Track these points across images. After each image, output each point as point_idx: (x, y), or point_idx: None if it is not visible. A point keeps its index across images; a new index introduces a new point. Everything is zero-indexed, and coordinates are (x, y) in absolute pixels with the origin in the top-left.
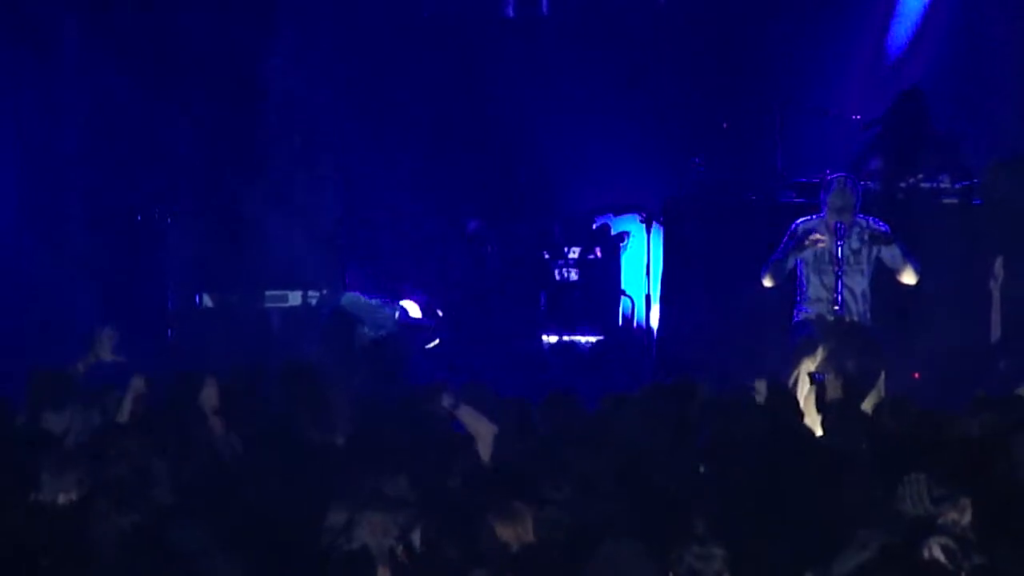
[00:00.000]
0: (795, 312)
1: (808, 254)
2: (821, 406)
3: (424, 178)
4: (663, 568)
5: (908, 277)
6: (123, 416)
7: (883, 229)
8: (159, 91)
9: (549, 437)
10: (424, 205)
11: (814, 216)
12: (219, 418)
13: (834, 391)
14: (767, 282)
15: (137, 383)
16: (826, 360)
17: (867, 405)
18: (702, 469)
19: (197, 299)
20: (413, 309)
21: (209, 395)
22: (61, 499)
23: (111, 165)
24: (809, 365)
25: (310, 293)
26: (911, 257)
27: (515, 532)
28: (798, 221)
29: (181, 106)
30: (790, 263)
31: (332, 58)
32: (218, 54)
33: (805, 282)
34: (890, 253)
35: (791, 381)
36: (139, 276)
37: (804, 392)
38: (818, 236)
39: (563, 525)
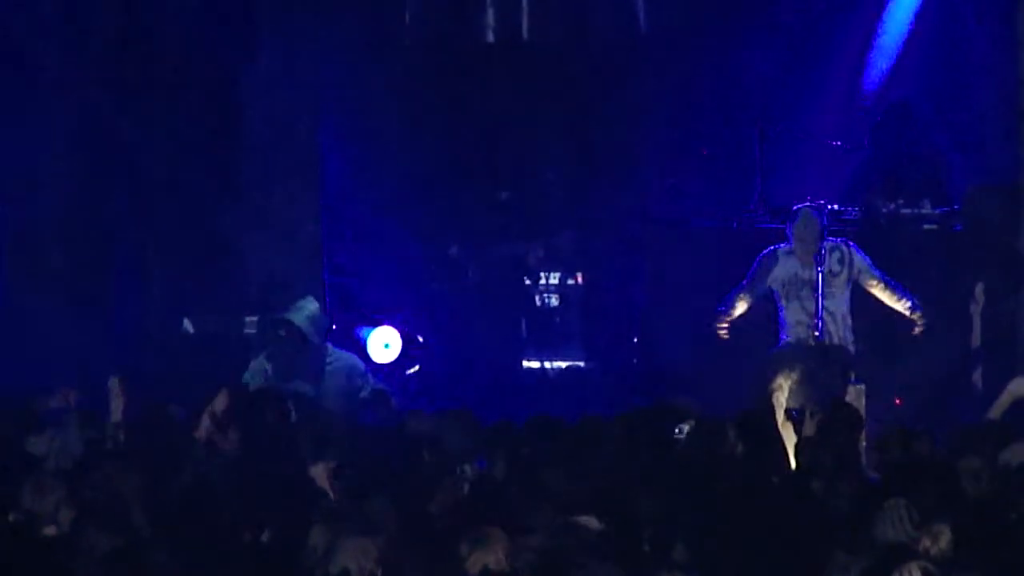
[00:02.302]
0: (778, 339)
1: (781, 282)
2: (797, 444)
3: (404, 202)
4: None
5: (893, 301)
6: (116, 415)
7: (854, 248)
8: (137, 112)
9: (529, 462)
10: (404, 230)
11: (785, 244)
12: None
13: (809, 429)
14: (733, 312)
15: (114, 385)
16: (802, 387)
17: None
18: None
19: (180, 324)
20: (392, 336)
21: (219, 402)
22: (42, 522)
23: (88, 188)
24: (784, 381)
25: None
26: (897, 286)
27: (491, 558)
28: (770, 248)
29: (160, 127)
30: (756, 292)
31: (312, 81)
32: (197, 75)
33: (783, 308)
34: (868, 278)
35: (769, 394)
36: (118, 300)
37: (781, 418)
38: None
39: (540, 550)
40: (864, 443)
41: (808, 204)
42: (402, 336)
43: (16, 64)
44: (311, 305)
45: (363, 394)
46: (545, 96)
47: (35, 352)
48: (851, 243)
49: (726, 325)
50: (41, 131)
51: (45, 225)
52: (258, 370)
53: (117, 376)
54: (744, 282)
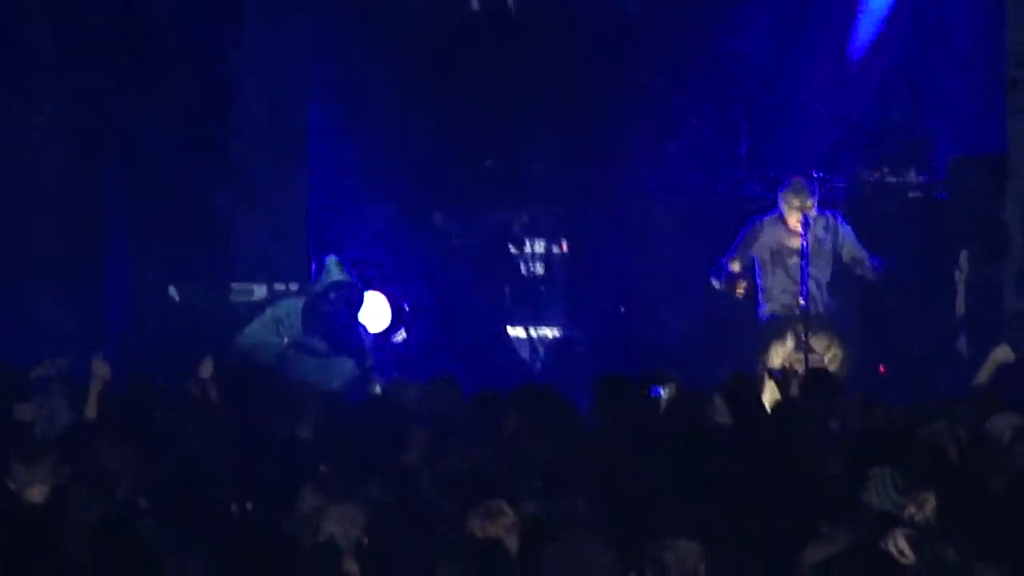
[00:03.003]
0: (759, 306)
1: (767, 249)
2: (777, 407)
3: (390, 170)
4: (629, 564)
5: (866, 272)
6: (90, 408)
7: (841, 221)
8: (128, 89)
9: (516, 431)
10: (390, 197)
11: (771, 213)
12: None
13: (793, 390)
14: (717, 285)
15: (100, 370)
16: (791, 352)
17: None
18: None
19: (167, 293)
20: (379, 301)
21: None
22: (32, 490)
23: (79, 163)
24: (778, 351)
25: (276, 286)
26: (875, 259)
27: (497, 529)
28: (755, 217)
29: (150, 104)
30: (742, 261)
31: (298, 50)
32: (185, 47)
33: (767, 277)
34: (850, 249)
35: (760, 367)
36: (108, 274)
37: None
38: (741, 286)
39: (528, 519)
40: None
41: (799, 175)
42: (390, 304)
43: (6, 42)
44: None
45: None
46: (531, 64)
47: (25, 325)
48: (837, 214)
49: (741, 283)
50: (32, 107)
51: (35, 200)
52: (270, 324)
53: (105, 363)
54: (729, 253)
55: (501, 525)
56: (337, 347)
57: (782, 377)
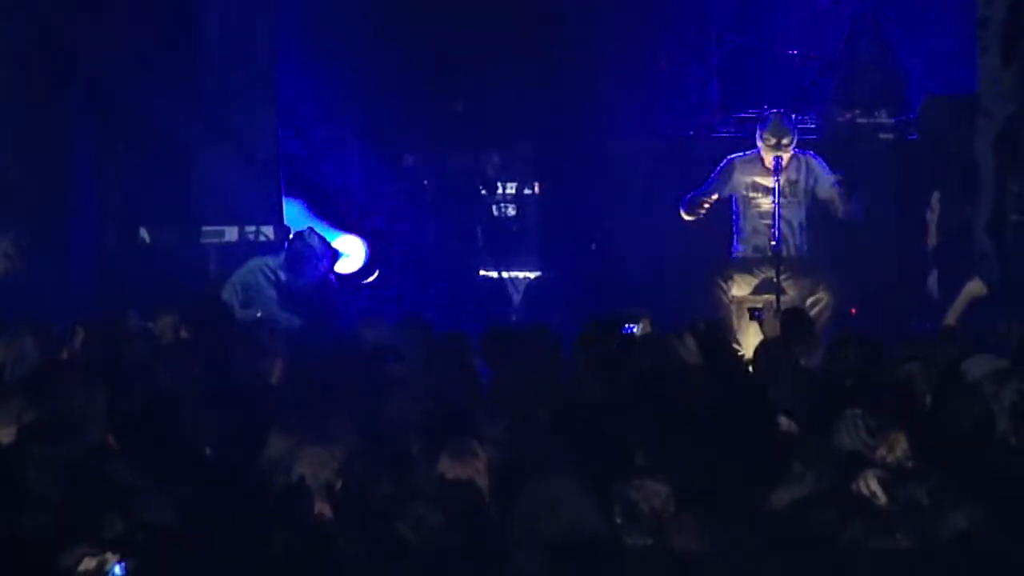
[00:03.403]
0: (732, 246)
1: (741, 188)
2: (757, 347)
3: (359, 112)
4: (603, 503)
5: (843, 213)
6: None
7: (819, 163)
8: (95, 24)
9: (486, 372)
10: (360, 139)
11: (747, 152)
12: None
13: (771, 329)
14: (685, 216)
15: (80, 334)
16: (761, 294)
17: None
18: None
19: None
20: (354, 243)
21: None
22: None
23: (45, 99)
24: (740, 286)
25: (247, 228)
26: (855, 197)
27: (468, 469)
28: (731, 156)
29: (117, 41)
30: (712, 197)
31: None
32: None
33: (741, 217)
34: (826, 187)
35: (728, 299)
36: (73, 210)
37: (741, 323)
38: (705, 202)
39: (500, 460)
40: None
41: (779, 110)
42: (364, 246)
43: None
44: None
45: None
46: (502, 5)
47: None
48: (812, 154)
49: (705, 202)
50: None
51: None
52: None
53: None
54: (702, 189)
55: (472, 466)
56: (313, 298)
57: (762, 317)
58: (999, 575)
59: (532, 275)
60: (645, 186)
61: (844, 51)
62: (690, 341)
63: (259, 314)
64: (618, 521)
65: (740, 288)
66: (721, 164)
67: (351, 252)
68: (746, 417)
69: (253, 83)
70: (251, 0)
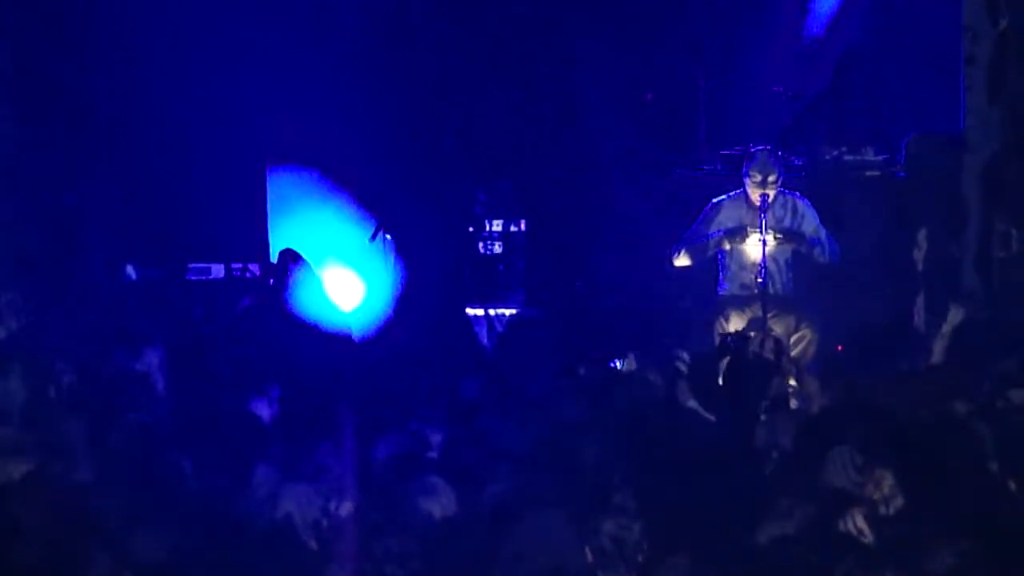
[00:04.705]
0: (719, 284)
1: (728, 227)
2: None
3: (346, 152)
4: (585, 539)
5: (821, 257)
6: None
7: (805, 203)
8: (82, 59)
9: (475, 410)
10: (346, 177)
11: (732, 193)
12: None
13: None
14: (678, 262)
15: (67, 371)
16: (752, 329)
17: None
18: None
19: (124, 271)
20: (350, 278)
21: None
22: None
23: (31, 134)
24: (735, 324)
25: (233, 266)
26: (831, 240)
27: (438, 507)
28: (714, 200)
29: (100, 72)
30: (711, 250)
31: (255, 25)
32: (138, 15)
33: (727, 255)
34: (808, 231)
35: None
36: (61, 248)
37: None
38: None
39: (487, 496)
40: (808, 388)
41: (766, 147)
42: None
43: None
44: None
45: None
46: (488, 41)
47: None
48: (801, 197)
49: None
50: None
51: None
52: None
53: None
54: (688, 232)
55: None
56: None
57: (736, 345)
58: None
59: (518, 311)
60: (631, 223)
61: (831, 88)
62: (684, 387)
63: None
64: (589, 560)
65: (734, 326)
66: (705, 209)
67: (348, 286)
68: (733, 453)
69: (240, 119)
70: (240, 37)
